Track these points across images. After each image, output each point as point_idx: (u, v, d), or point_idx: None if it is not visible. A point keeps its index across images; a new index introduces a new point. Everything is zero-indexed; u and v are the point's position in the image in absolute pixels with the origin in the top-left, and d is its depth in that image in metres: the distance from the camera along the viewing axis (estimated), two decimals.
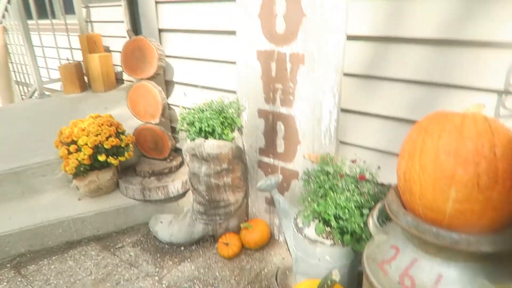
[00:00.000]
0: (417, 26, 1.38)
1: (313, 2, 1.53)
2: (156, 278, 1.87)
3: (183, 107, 2.19)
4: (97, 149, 2.13)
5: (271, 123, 1.87)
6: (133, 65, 2.25)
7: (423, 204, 0.93)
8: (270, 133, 1.89)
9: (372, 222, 1.15)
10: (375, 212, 1.17)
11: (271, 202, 2.05)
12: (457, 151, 0.88)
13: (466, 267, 0.94)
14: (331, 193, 1.36)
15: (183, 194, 2.37)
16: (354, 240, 1.36)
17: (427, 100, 1.46)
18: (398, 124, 1.56)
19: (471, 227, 0.89)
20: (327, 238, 1.44)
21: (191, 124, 1.81)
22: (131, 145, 2.26)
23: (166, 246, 2.11)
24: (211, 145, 1.78)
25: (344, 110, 1.65)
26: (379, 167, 1.50)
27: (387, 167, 1.53)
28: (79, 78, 3.46)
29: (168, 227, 2.10)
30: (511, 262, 0.98)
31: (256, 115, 1.91)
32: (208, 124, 1.77)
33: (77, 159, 2.08)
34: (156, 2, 2.22)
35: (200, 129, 1.78)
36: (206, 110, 1.83)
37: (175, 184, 2.26)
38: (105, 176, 2.25)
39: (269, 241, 2.09)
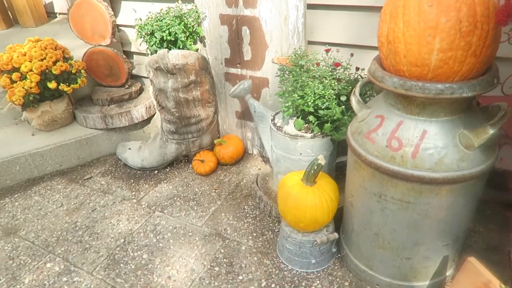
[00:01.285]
0: None
1: None
2: (134, 200, 1.83)
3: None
4: (45, 75, 1.93)
5: (236, 28, 1.77)
6: None
7: (408, 62, 0.93)
8: (235, 41, 1.80)
9: (355, 99, 1.16)
10: (357, 90, 1.17)
11: (242, 116, 2.02)
12: (440, 2, 0.87)
13: (447, 121, 0.98)
14: (310, 83, 1.34)
15: (148, 120, 2.26)
16: (333, 128, 1.38)
17: None
18: (366, 14, 1.53)
19: (453, 76, 0.91)
20: (306, 132, 1.46)
21: (151, 34, 1.66)
22: (83, 71, 2.07)
23: (139, 172, 2.05)
24: (175, 55, 1.67)
25: (310, 6, 1.59)
26: (352, 54, 1.49)
27: (358, 60, 1.53)
28: (1, 11, 3.02)
29: (138, 152, 2.02)
30: (479, 111, 1.05)
31: (218, 22, 1.79)
32: (169, 32, 1.64)
33: (23, 88, 1.88)
34: None
35: (162, 38, 1.65)
36: (164, 18, 1.68)
37: (138, 109, 2.14)
38: (59, 107, 2.07)
39: (244, 155, 2.09)
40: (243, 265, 1.42)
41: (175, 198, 1.82)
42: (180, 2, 1.79)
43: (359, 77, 1.43)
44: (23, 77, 1.90)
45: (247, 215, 1.68)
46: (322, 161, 1.27)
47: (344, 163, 1.37)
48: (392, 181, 1.04)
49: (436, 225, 1.08)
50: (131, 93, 2.22)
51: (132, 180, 1.98)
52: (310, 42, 1.67)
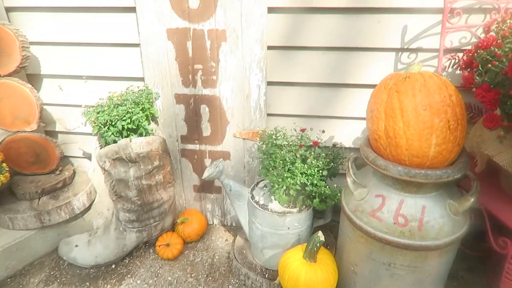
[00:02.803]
0: None
1: None
2: None
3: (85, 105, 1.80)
4: None
5: (193, 107, 1.75)
6: None
7: (410, 154, 1.10)
8: (193, 118, 1.78)
9: (350, 180, 1.28)
10: (351, 171, 1.30)
11: (200, 189, 1.97)
12: (431, 105, 1.06)
13: (437, 195, 1.17)
14: (297, 164, 1.42)
15: (89, 207, 2.01)
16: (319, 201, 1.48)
17: (340, 64, 1.64)
18: (318, 89, 1.71)
19: (444, 163, 1.11)
20: (290, 207, 1.52)
21: (109, 124, 1.51)
22: (4, 165, 1.74)
23: (91, 270, 1.79)
24: (139, 144, 1.55)
25: (269, 83, 1.70)
26: (323, 131, 1.63)
27: (315, 129, 1.68)
28: None
29: (89, 249, 1.78)
30: (457, 185, 1.28)
31: (173, 101, 1.75)
32: (131, 121, 1.52)
33: None
34: None
35: (123, 127, 1.52)
36: (122, 104, 1.56)
37: (79, 198, 1.89)
38: None
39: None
40: None
41: None
42: (132, 85, 1.69)
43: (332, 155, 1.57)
44: None
45: None
46: (322, 237, 1.35)
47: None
48: (401, 252, 1.18)
49: (435, 278, 1.26)
50: (65, 180, 1.94)
51: (87, 283, 1.72)
52: (269, 115, 1.76)
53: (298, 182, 1.40)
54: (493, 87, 1.01)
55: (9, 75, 1.73)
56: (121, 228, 1.78)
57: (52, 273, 1.78)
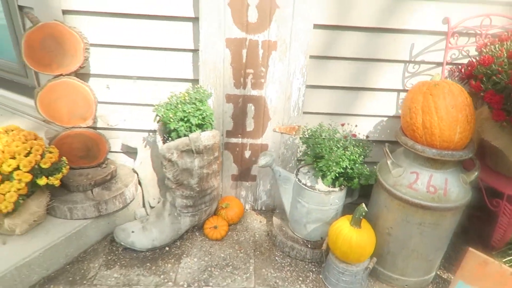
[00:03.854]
0: (358, 17, 1.90)
1: None
2: (170, 283, 1.80)
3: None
4: (34, 171, 1.67)
5: (241, 106, 2.03)
6: (45, 59, 1.78)
7: (441, 140, 1.52)
8: (239, 116, 2.05)
9: (390, 162, 1.68)
10: (390, 155, 1.70)
11: (237, 178, 2.25)
12: (456, 105, 1.49)
13: (455, 170, 1.62)
14: (341, 151, 1.78)
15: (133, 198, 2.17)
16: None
17: (361, 72, 2.05)
18: (343, 92, 2.10)
19: (462, 146, 1.56)
20: (333, 186, 1.88)
21: (184, 120, 1.74)
22: (64, 158, 1.86)
23: (147, 253, 1.97)
24: (207, 137, 1.80)
25: (307, 86, 2.04)
26: (356, 125, 2.02)
27: (338, 123, 2.08)
28: None
29: (145, 234, 1.96)
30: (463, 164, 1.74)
31: (223, 100, 2.01)
32: (202, 117, 1.77)
33: (14, 191, 1.58)
34: None
35: (191, 123, 1.76)
36: (188, 102, 1.79)
37: (130, 188, 2.05)
38: (43, 203, 1.78)
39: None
40: None
41: (210, 269, 1.89)
42: (191, 85, 1.92)
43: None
44: (7, 178, 1.60)
45: (283, 264, 1.95)
46: (365, 208, 1.73)
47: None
48: (431, 213, 1.61)
49: (448, 233, 1.71)
50: (112, 172, 2.09)
51: (148, 264, 1.91)
52: (304, 112, 2.11)
53: (345, 166, 1.77)
54: (496, 92, 1.47)
55: (69, 74, 1.86)
56: (175, 214, 2.00)
57: (109, 258, 1.94)
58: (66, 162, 1.85)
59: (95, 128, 2.09)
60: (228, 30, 1.84)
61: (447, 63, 1.96)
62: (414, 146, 1.59)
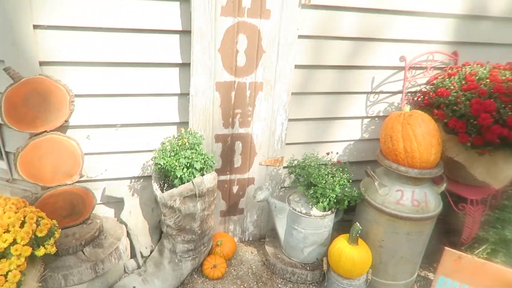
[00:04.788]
0: (330, 57, 2.14)
1: (271, 42, 1.92)
2: None
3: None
4: (31, 243, 1.51)
5: (230, 144, 2.10)
6: (28, 117, 1.64)
7: (421, 161, 1.80)
8: (227, 153, 2.12)
9: (377, 183, 1.92)
10: (376, 177, 1.93)
11: (226, 213, 2.29)
12: (429, 131, 1.79)
13: (430, 184, 1.92)
14: (331, 178, 1.97)
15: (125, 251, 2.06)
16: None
17: (333, 104, 2.29)
18: (318, 122, 2.31)
19: (435, 165, 1.86)
20: (325, 210, 2.05)
21: (188, 166, 1.74)
22: (54, 221, 1.70)
23: None
24: (209, 180, 1.82)
25: (289, 120, 2.19)
26: (337, 153, 2.22)
27: (315, 150, 2.28)
28: None
29: (146, 287, 1.89)
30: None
31: (212, 141, 2.05)
32: (205, 162, 1.79)
33: (15, 269, 1.41)
34: (35, 27, 1.67)
35: (195, 168, 1.77)
36: (188, 147, 1.80)
37: (122, 241, 1.95)
38: (37, 275, 1.60)
39: None
40: None
41: None
42: (182, 129, 1.93)
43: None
44: (2, 256, 1.42)
45: None
46: (359, 227, 1.93)
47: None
48: (416, 223, 1.88)
49: (428, 238, 2.00)
50: (99, 228, 1.96)
51: None
52: (287, 144, 2.25)
53: (338, 191, 1.96)
54: (458, 118, 1.81)
55: (54, 130, 1.73)
56: (176, 260, 1.96)
57: None
58: (57, 225, 1.70)
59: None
60: (218, 74, 1.91)
61: (399, 92, 2.31)
62: (399, 168, 1.85)
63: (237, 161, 2.16)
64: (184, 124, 2.05)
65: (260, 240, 2.43)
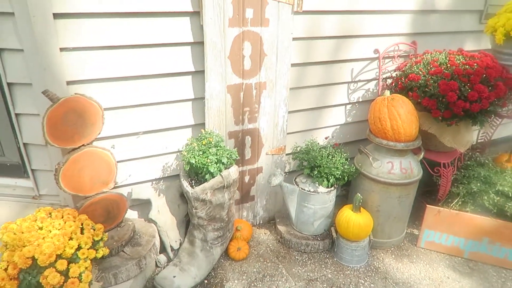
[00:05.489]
0: (318, 55, 2.45)
1: (271, 46, 2.19)
2: None
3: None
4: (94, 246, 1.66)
5: (241, 139, 2.34)
6: (67, 133, 1.76)
7: (405, 136, 2.19)
8: (239, 147, 2.36)
9: (371, 158, 2.28)
10: (370, 155, 2.30)
11: (239, 201, 2.54)
12: (410, 110, 2.19)
13: (411, 154, 2.32)
14: (333, 158, 2.30)
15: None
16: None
17: (323, 95, 2.62)
18: (311, 111, 2.63)
19: (415, 137, 2.26)
20: (329, 187, 2.38)
21: (216, 162, 1.97)
22: (100, 225, 1.85)
23: None
24: (234, 171, 2.07)
25: (289, 112, 2.48)
26: (333, 137, 2.55)
27: (309, 137, 2.61)
28: None
29: (184, 274, 2.10)
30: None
31: (226, 137, 2.29)
32: (230, 156, 2.03)
33: (86, 271, 1.57)
34: (62, 49, 1.78)
35: (222, 162, 2.01)
36: (214, 145, 2.03)
37: (156, 238, 2.14)
38: (95, 276, 1.76)
39: None
40: (341, 281, 2.20)
41: (253, 284, 2.16)
42: (208, 131, 2.14)
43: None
44: (70, 261, 1.57)
45: (304, 260, 2.37)
46: (360, 196, 2.29)
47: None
48: (405, 187, 2.28)
49: (413, 198, 2.42)
50: (133, 229, 2.12)
51: None
52: (287, 134, 2.55)
53: (340, 169, 2.30)
54: (430, 98, 2.22)
55: (90, 143, 1.86)
56: (207, 247, 2.19)
57: None
58: (103, 229, 1.86)
59: None
60: (228, 78, 2.14)
61: (373, 80, 2.70)
62: (389, 144, 2.23)
63: (248, 154, 2.42)
64: (198, 125, 2.26)
65: (270, 222, 2.72)
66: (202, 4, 1.91)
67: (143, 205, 2.32)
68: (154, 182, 2.32)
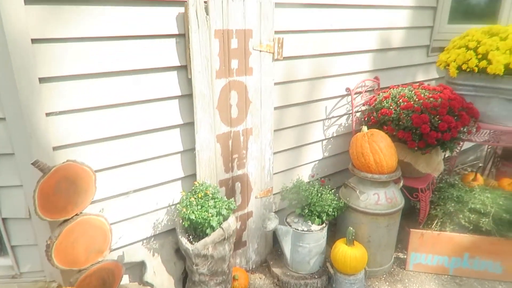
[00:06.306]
0: (296, 98, 2.56)
1: (255, 93, 2.24)
2: None
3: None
4: None
5: (231, 186, 2.33)
6: (60, 204, 1.62)
7: (387, 168, 2.33)
8: (230, 195, 2.34)
9: (358, 191, 2.38)
10: (355, 187, 2.39)
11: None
12: (388, 144, 2.34)
13: (393, 184, 2.47)
14: (322, 196, 2.37)
15: None
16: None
17: (301, 134, 2.71)
18: (292, 151, 2.71)
19: (395, 169, 2.41)
20: (321, 224, 2.43)
21: (217, 214, 1.93)
22: None
23: None
24: (233, 222, 2.03)
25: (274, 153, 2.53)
26: (317, 173, 2.62)
27: (293, 174, 2.68)
28: None
29: None
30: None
31: (217, 186, 2.26)
32: (229, 207, 2.00)
33: None
34: (47, 114, 1.68)
35: (222, 214, 1.97)
36: (211, 197, 1.99)
37: None
38: None
39: None
40: None
41: None
42: (200, 182, 2.09)
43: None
44: None
45: None
46: (353, 230, 2.37)
47: None
48: (392, 215, 2.40)
49: (398, 225, 2.55)
50: None
51: None
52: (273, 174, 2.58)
53: (332, 205, 2.37)
54: (404, 130, 2.40)
55: (82, 211, 1.74)
56: None
57: None
58: None
59: None
60: (217, 128, 2.14)
61: (345, 115, 2.87)
62: (374, 176, 2.35)
63: (238, 200, 2.40)
64: (188, 177, 2.21)
65: (262, 265, 2.68)
66: (191, 58, 1.92)
67: (134, 268, 2.18)
68: (145, 241, 2.20)
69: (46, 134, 1.68)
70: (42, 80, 1.62)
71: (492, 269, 2.51)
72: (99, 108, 1.82)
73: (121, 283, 2.13)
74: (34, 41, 1.55)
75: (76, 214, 1.71)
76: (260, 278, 2.58)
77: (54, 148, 1.74)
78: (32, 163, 1.55)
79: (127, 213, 2.07)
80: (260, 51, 2.17)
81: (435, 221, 2.61)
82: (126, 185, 2.01)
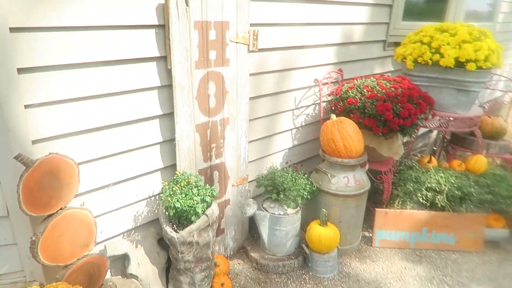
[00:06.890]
0: (266, 87, 2.66)
1: (232, 83, 2.30)
2: None
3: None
4: None
5: (209, 175, 2.38)
6: (44, 198, 1.58)
7: (356, 152, 2.50)
8: (209, 183, 2.39)
9: (329, 175, 2.54)
10: (329, 174, 2.55)
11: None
12: (356, 130, 2.52)
13: (360, 168, 2.66)
14: (296, 181, 2.49)
15: None
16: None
17: (272, 124, 2.82)
18: (264, 140, 2.81)
19: (362, 153, 2.60)
20: (296, 208, 2.56)
21: (202, 201, 1.97)
22: None
23: None
24: (216, 208, 2.09)
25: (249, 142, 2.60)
26: (290, 160, 2.73)
27: (265, 163, 2.79)
28: None
29: None
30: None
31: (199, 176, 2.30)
32: (212, 194, 2.05)
33: None
34: (26, 107, 1.62)
35: (206, 201, 2.02)
36: (194, 185, 2.03)
37: None
38: None
39: None
40: None
41: None
42: (181, 172, 2.11)
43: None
44: None
45: (285, 281, 2.48)
46: (325, 211, 2.53)
47: None
48: (360, 197, 2.59)
49: (365, 205, 2.76)
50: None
51: None
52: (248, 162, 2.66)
53: (307, 189, 2.50)
54: (369, 118, 2.59)
55: (67, 205, 1.70)
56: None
57: None
58: None
59: None
60: (196, 118, 2.18)
61: (312, 105, 3.02)
62: (343, 161, 2.52)
63: (216, 189, 2.45)
64: (167, 167, 2.23)
65: (239, 251, 2.77)
66: (171, 49, 1.94)
67: (115, 261, 2.16)
68: (126, 234, 2.19)
69: (25, 127, 1.63)
70: (20, 70, 1.56)
71: (447, 241, 2.81)
72: (79, 100, 1.78)
73: (107, 277, 2.12)
74: (12, 30, 1.49)
75: (60, 208, 1.67)
76: (239, 263, 2.66)
77: (33, 142, 1.68)
78: (15, 157, 1.50)
79: (108, 206, 2.04)
80: (237, 42, 2.23)
81: (397, 200, 2.85)
82: (106, 177, 1.99)
